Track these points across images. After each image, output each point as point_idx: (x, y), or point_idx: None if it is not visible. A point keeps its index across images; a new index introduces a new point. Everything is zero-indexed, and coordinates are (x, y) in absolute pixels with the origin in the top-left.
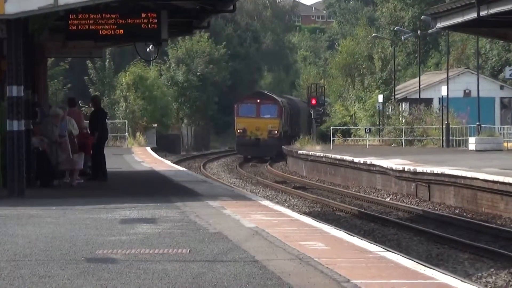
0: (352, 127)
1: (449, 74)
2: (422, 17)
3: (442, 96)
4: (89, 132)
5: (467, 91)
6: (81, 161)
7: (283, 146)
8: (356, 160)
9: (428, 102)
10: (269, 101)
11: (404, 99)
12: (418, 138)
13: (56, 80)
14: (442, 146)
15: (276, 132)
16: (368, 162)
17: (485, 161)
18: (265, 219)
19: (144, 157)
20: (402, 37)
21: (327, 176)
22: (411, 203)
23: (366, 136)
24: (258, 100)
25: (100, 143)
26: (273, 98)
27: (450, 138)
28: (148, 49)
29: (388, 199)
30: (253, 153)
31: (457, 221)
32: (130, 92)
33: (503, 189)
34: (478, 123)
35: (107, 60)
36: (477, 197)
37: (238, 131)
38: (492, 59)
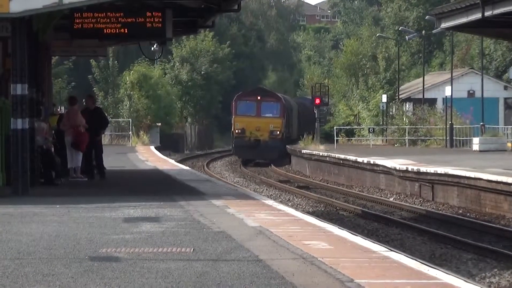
0: (356, 127)
1: (453, 75)
2: (427, 17)
3: (446, 96)
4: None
5: (471, 92)
6: (80, 158)
7: (287, 146)
8: (359, 159)
9: (432, 102)
10: (270, 98)
11: (408, 99)
12: (422, 138)
13: (60, 79)
14: (446, 146)
15: (278, 133)
16: (372, 162)
17: (488, 161)
18: (269, 219)
19: (148, 156)
20: (407, 37)
21: (330, 176)
22: (414, 203)
23: (369, 136)
24: (259, 97)
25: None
26: (275, 95)
27: (454, 138)
28: (152, 48)
29: (392, 199)
30: (252, 156)
31: (460, 221)
32: (134, 91)
33: (506, 189)
34: (482, 123)
35: (111, 59)
36: (481, 197)
37: (236, 131)
38: (497, 59)
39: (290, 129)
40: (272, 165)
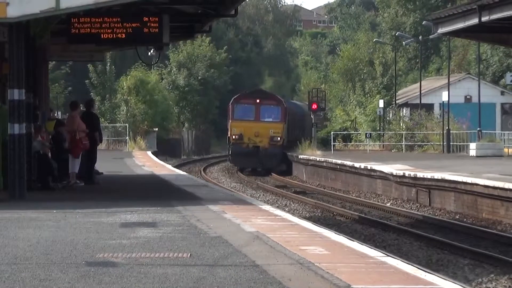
0: (353, 132)
1: (450, 80)
2: (424, 22)
3: (443, 101)
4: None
5: (468, 97)
6: (76, 164)
7: (288, 153)
8: (356, 165)
9: (429, 107)
10: (271, 101)
11: (405, 104)
12: (419, 143)
13: (57, 84)
14: (443, 151)
15: (279, 139)
16: (369, 167)
17: (485, 166)
18: (266, 224)
19: (145, 161)
20: (404, 42)
21: (327, 181)
22: (411, 208)
23: (366, 141)
24: (258, 100)
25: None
26: (276, 97)
27: (451, 143)
28: (149, 53)
29: (389, 204)
30: (251, 164)
31: (457, 226)
32: (131, 96)
33: (503, 195)
34: (478, 128)
35: (108, 64)
36: (477, 202)
37: (234, 137)
38: (493, 65)
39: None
40: (272, 173)
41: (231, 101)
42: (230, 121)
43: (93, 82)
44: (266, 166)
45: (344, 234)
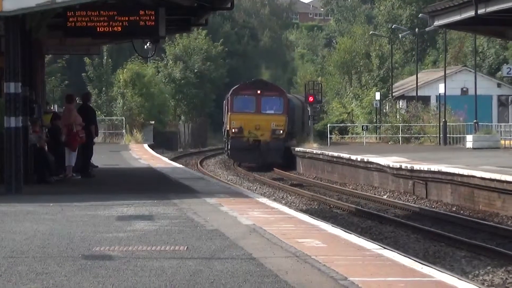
0: (350, 124)
1: (446, 72)
2: (420, 15)
3: (440, 94)
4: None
5: (464, 89)
6: (73, 157)
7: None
8: (353, 157)
9: (426, 100)
10: (272, 92)
11: (402, 97)
12: (415, 135)
13: (53, 77)
14: (439, 143)
15: (281, 132)
16: (365, 160)
17: (482, 159)
18: (262, 217)
19: (141, 154)
20: (400, 35)
21: (324, 174)
22: (408, 200)
23: (363, 134)
24: (259, 91)
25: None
26: (278, 88)
27: (447, 136)
28: (145, 46)
29: (385, 196)
30: (251, 159)
31: (454, 218)
32: (128, 89)
33: (500, 187)
34: (475, 121)
35: (105, 57)
36: (474, 195)
37: (233, 130)
38: (490, 57)
39: None
40: (274, 169)
41: (230, 92)
42: (229, 113)
43: (89, 75)
44: (267, 161)
45: (340, 226)
